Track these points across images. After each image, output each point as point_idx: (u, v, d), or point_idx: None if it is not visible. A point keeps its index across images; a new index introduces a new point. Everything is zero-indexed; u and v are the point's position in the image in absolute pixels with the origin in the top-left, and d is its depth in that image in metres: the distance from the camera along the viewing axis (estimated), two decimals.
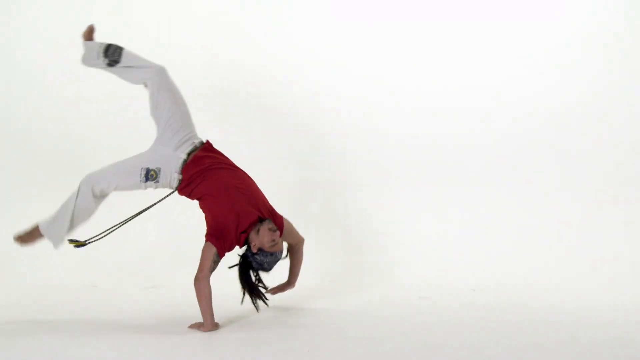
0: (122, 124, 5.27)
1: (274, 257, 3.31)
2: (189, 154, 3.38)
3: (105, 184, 3.38)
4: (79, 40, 3.75)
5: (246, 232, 3.30)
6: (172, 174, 3.37)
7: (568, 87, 4.92)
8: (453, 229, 4.78)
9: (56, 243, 3.45)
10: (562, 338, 2.98)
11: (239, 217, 3.27)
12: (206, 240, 3.28)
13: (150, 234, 4.89)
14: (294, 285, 3.69)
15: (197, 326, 3.20)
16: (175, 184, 3.39)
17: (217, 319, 3.23)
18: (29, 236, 3.49)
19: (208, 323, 3.18)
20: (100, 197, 3.42)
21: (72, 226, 3.41)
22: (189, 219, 4.95)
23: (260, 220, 3.31)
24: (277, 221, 3.43)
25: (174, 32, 5.25)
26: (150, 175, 3.35)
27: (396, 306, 3.75)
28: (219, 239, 3.25)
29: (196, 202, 3.42)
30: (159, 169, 3.37)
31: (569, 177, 4.85)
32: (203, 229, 3.30)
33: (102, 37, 5.27)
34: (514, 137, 4.94)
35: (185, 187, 3.36)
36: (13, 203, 5.11)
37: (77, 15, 5.29)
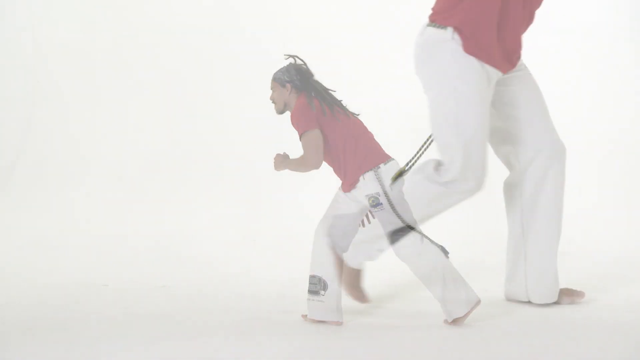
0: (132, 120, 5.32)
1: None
2: None
3: None
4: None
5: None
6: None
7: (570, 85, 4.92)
8: (459, 228, 4.70)
9: None
10: (576, 337, 2.93)
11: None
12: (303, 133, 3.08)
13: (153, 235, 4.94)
14: None
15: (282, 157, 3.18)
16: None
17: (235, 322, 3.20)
18: None
19: (288, 163, 3.15)
20: None
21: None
22: (194, 220, 5.00)
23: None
24: None
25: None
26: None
27: (402, 304, 3.71)
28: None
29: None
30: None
31: (575, 173, 4.79)
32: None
33: (105, 31, 5.26)
34: None
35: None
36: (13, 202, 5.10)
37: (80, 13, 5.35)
